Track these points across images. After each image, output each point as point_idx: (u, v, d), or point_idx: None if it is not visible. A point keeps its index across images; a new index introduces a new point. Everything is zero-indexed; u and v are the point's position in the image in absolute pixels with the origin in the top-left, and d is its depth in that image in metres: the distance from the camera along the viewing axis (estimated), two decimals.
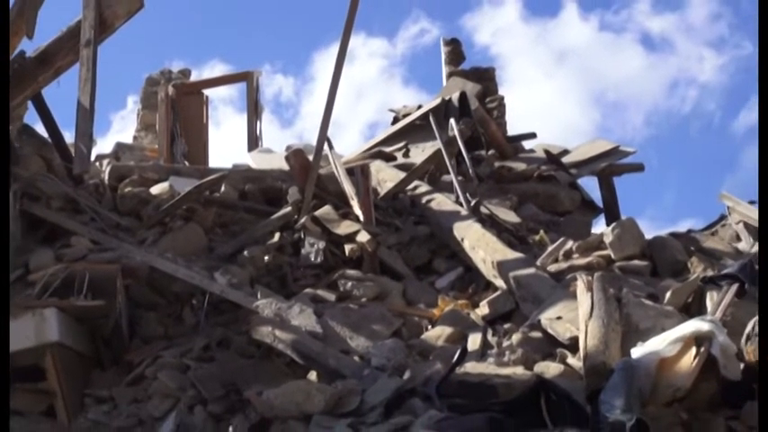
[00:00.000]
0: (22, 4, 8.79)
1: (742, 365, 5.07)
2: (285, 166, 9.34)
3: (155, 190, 9.04)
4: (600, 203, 10.08)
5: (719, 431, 4.94)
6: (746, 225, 8.67)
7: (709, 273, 6.91)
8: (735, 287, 6.23)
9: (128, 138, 11.92)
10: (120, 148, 11.04)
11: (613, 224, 8.15)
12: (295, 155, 9.01)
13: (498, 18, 42.48)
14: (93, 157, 10.20)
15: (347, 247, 8.14)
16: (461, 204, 8.68)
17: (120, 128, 12.36)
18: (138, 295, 7.57)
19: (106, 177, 9.40)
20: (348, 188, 8.63)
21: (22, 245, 8.00)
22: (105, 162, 10.22)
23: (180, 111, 11.12)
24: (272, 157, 10.28)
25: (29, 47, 8.86)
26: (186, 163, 10.93)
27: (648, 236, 7.95)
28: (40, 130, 9.44)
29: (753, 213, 8.69)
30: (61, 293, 7.19)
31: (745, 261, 7.04)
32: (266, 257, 8.10)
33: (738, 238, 8.64)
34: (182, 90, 11.15)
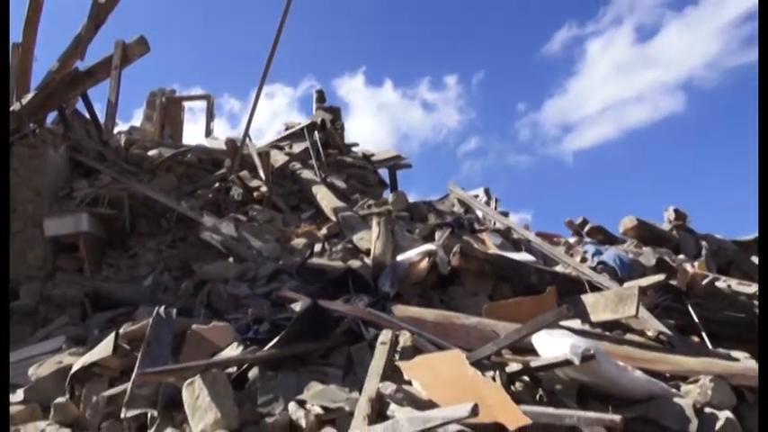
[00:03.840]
0: (79, 40, 8.86)
1: (449, 267, 5.47)
2: (224, 148, 9.33)
3: (150, 153, 9.00)
4: (388, 181, 10.10)
5: (434, 299, 5.30)
6: (458, 200, 9.17)
7: (438, 221, 7.48)
8: (449, 229, 6.90)
9: (137, 123, 11.89)
10: (132, 128, 11.06)
11: (393, 193, 8.74)
12: (230, 141, 9.15)
13: (350, 84, 43.54)
14: (115, 131, 10.04)
15: (255, 193, 8.36)
16: (317, 176, 8.84)
17: (136, 119, 12.15)
18: (136, 209, 7.67)
19: (122, 143, 9.36)
20: (258, 162, 8.70)
21: (69, 176, 7.93)
22: (123, 135, 10.12)
23: (168, 112, 11.22)
24: (218, 142, 10.31)
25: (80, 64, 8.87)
26: (169, 140, 11.03)
27: (411, 201, 8.32)
28: (84, 113, 9.31)
29: (462, 193, 9.26)
30: (91, 204, 7.41)
31: (455, 217, 7.99)
32: (210, 195, 8.29)
33: (453, 206, 9.03)
34: (170, 100, 11.21)
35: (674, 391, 3.63)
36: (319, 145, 9.59)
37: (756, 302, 6.06)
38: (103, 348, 3.88)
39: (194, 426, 2.97)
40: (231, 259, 6.36)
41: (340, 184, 9.02)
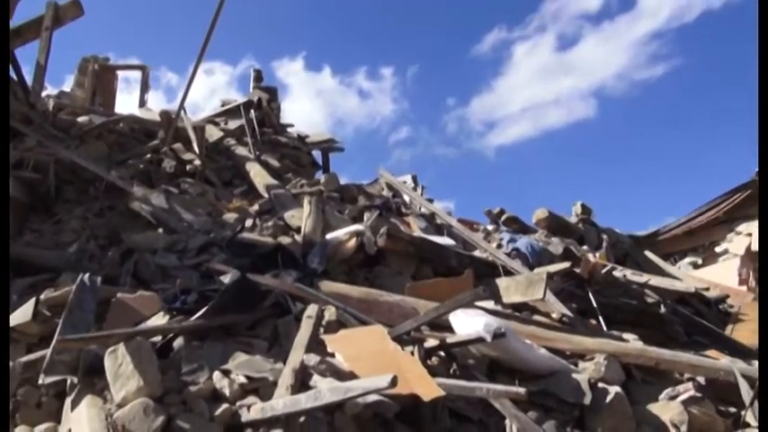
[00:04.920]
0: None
1: (376, 247, 5.52)
2: (158, 119, 8.91)
3: (80, 119, 8.52)
4: (321, 163, 9.94)
5: (360, 276, 5.32)
6: (387, 184, 9.15)
7: (367, 203, 7.49)
8: (378, 212, 6.88)
9: (68, 89, 11.12)
10: (62, 93, 10.35)
11: (325, 174, 8.65)
12: (165, 113, 8.77)
13: (289, 67, 42.61)
14: (43, 95, 9.32)
15: (188, 167, 8.05)
16: (251, 153, 8.64)
17: (67, 85, 11.37)
18: (62, 175, 7.22)
19: (50, 107, 8.80)
20: (192, 136, 8.38)
21: None
22: (52, 99, 9.41)
23: (100, 80, 10.58)
24: (152, 114, 9.87)
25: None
26: (100, 108, 10.46)
27: (342, 183, 8.26)
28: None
29: (391, 178, 9.28)
30: (14, 167, 6.83)
31: (383, 200, 8.02)
32: (141, 165, 7.92)
33: (382, 190, 9.02)
34: (103, 67, 10.57)
35: (572, 367, 3.82)
36: (255, 123, 9.33)
37: (647, 291, 6.47)
38: (22, 314, 3.68)
39: (115, 393, 2.85)
40: (161, 230, 6.15)
41: (273, 162, 8.83)
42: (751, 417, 3.62)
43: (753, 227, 9.50)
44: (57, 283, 4.73)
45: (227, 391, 2.96)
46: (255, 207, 6.99)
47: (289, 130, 10.10)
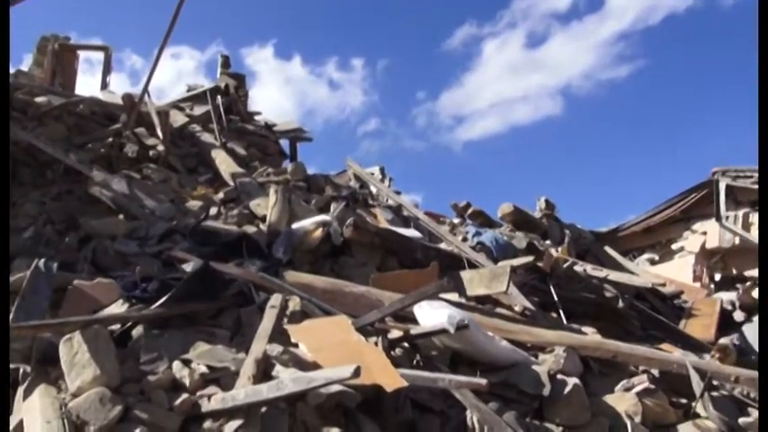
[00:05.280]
0: None
1: (342, 238, 5.52)
2: (121, 102, 8.46)
3: (38, 100, 8.14)
4: (288, 152, 9.72)
5: (325, 267, 5.29)
6: (355, 175, 9.14)
7: (334, 194, 7.28)
8: (344, 202, 6.79)
9: (26, 68, 10.66)
10: (19, 72, 9.94)
11: (292, 163, 8.55)
12: (128, 97, 8.39)
13: (259, 54, 41.97)
14: None
15: (151, 152, 7.86)
16: (217, 140, 8.42)
17: (25, 64, 10.89)
18: (18, 157, 6.91)
19: None
20: (156, 121, 8.11)
21: None
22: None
23: (60, 60, 10.12)
24: (115, 97, 9.58)
25: None
26: (60, 89, 10.07)
27: (309, 172, 8.07)
28: None
29: (359, 169, 9.21)
30: None
31: (351, 191, 7.86)
32: (102, 149, 7.69)
33: (350, 180, 9.00)
34: (63, 47, 10.17)
35: (533, 359, 3.90)
36: (221, 110, 9.10)
37: (606, 285, 6.63)
38: None
39: (70, 382, 2.77)
40: (121, 216, 6.00)
41: (240, 150, 8.63)
42: (701, 408, 3.76)
43: (707, 226, 9.83)
44: (10, 268, 4.56)
45: (187, 381, 2.90)
46: (220, 195, 6.86)
47: (256, 117, 9.88)
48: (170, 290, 3.63)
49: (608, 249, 9.75)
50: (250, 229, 5.65)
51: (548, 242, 8.90)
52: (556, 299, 5.51)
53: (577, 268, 7.30)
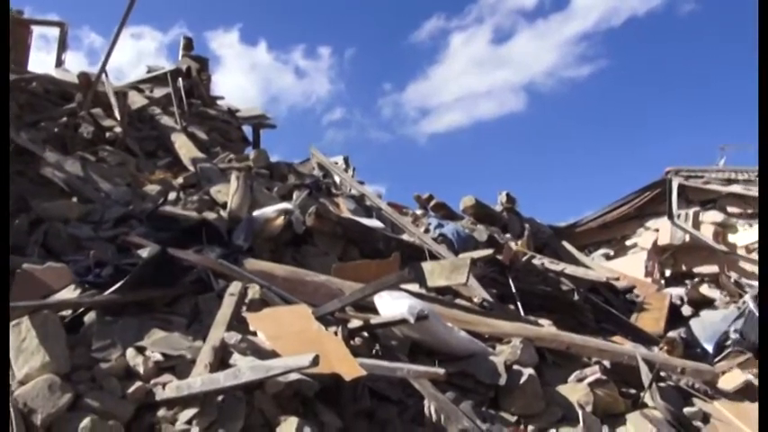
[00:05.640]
0: None
1: (303, 227, 5.47)
2: (77, 81, 8.27)
3: None
4: (251, 139, 9.52)
5: (286, 255, 5.22)
6: (318, 164, 9.07)
7: (297, 182, 7.29)
8: (307, 191, 6.79)
9: None
10: None
11: (255, 150, 8.42)
12: (84, 75, 8.20)
13: (223, 38, 41.30)
14: None
15: (108, 134, 7.56)
16: (177, 124, 8.13)
17: None
18: None
19: None
20: (114, 102, 7.84)
21: None
22: None
23: (12, 35, 9.62)
24: (70, 75, 9.26)
25: None
26: (12, 65, 9.62)
27: (272, 160, 7.96)
28: None
29: (323, 158, 9.19)
30: None
31: (314, 180, 7.83)
32: (56, 129, 7.30)
33: (313, 169, 8.90)
34: (16, 21, 9.66)
35: (490, 350, 3.97)
36: (183, 93, 8.78)
37: (563, 279, 6.79)
38: None
39: (17, 369, 2.68)
40: (74, 199, 5.79)
41: (201, 135, 8.35)
42: (649, 398, 3.90)
43: (660, 223, 10.16)
44: None
45: (141, 369, 2.85)
46: (180, 180, 6.71)
47: (219, 102, 9.66)
48: (125, 275, 3.54)
49: (565, 244, 9.96)
50: (210, 215, 5.55)
51: (508, 235, 9.03)
52: (514, 291, 5.62)
53: (535, 262, 7.44)
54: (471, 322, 4.30)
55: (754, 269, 8.88)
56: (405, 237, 6.72)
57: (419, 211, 9.06)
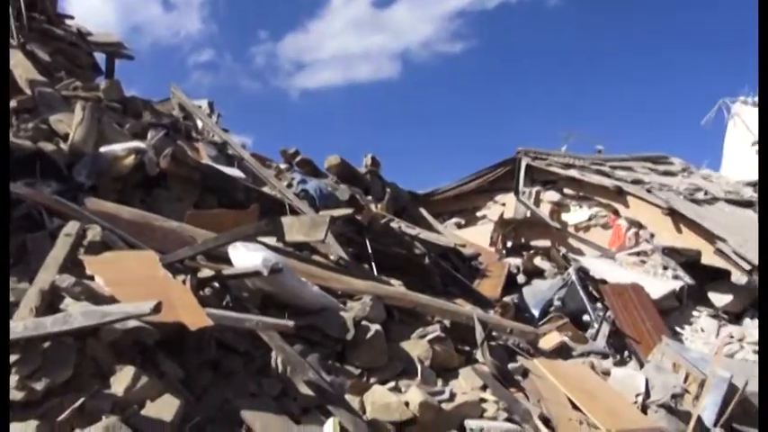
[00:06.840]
0: None
1: (157, 169, 5.11)
2: None
3: None
4: (103, 68, 8.42)
5: (135, 198, 4.89)
6: (179, 105, 8.51)
7: (152, 120, 6.64)
8: (164, 131, 6.23)
9: None
10: None
11: (107, 80, 7.54)
12: None
13: None
14: None
15: None
16: (14, 39, 6.97)
17: None
18: None
19: None
20: None
21: None
22: None
23: None
24: None
25: None
26: None
27: (127, 94, 7.21)
28: None
29: (185, 99, 8.61)
30: None
31: (172, 120, 7.25)
32: None
33: (173, 110, 8.30)
34: None
35: (341, 306, 4.08)
36: (22, 4, 7.43)
37: (416, 243, 7.12)
38: None
39: None
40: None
41: (43, 56, 7.35)
42: (480, 355, 4.28)
43: (507, 198, 11.02)
44: None
45: None
46: (13, 103, 5.86)
47: (67, 22, 8.59)
48: None
49: (422, 210, 10.43)
50: (47, 146, 5.02)
51: (369, 198, 9.22)
52: (370, 251, 5.78)
53: (393, 225, 7.72)
54: (325, 278, 4.37)
55: (580, 246, 10.02)
56: (266, 189, 6.60)
57: (283, 166, 8.92)
